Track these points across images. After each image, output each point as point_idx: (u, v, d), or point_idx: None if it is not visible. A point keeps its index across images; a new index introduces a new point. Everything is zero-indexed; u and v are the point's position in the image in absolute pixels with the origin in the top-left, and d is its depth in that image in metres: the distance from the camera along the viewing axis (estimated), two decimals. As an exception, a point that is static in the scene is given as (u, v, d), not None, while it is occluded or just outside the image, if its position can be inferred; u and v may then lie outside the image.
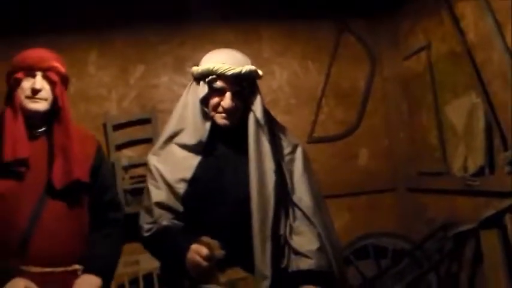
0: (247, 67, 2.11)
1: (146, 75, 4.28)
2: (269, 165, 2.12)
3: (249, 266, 2.01)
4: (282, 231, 2.14)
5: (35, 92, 2.18)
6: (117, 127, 4.15)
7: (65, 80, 2.31)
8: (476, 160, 3.29)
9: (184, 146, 2.15)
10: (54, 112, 2.26)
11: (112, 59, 4.24)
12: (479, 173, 3.29)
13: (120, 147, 4.13)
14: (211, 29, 4.33)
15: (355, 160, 4.47)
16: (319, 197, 2.27)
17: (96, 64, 4.19)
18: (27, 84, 2.19)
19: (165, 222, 2.12)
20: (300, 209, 2.18)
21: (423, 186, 4.08)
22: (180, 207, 2.12)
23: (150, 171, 2.20)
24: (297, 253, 2.11)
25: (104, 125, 4.08)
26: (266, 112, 2.23)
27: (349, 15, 4.46)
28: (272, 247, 2.04)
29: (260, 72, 2.21)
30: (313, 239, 2.13)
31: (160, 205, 2.13)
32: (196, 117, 2.13)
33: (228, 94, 2.10)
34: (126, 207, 3.84)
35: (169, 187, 2.12)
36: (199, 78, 2.14)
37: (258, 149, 2.13)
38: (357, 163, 4.48)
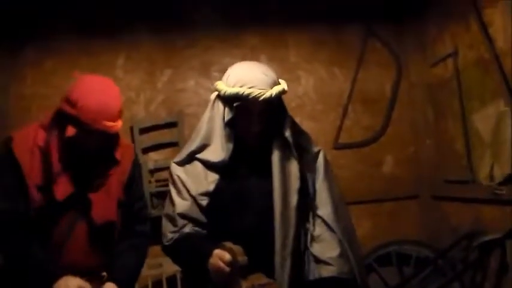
0: (277, 89, 2.08)
1: (173, 79, 4.33)
2: (294, 185, 2.12)
3: (271, 273, 2.02)
4: (302, 243, 2.14)
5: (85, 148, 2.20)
6: (144, 130, 4.20)
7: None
8: (503, 169, 3.27)
9: (207, 163, 2.15)
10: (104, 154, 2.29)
11: (139, 62, 4.30)
12: (506, 181, 3.26)
13: (146, 150, 4.18)
14: (237, 34, 4.39)
15: (380, 167, 4.46)
16: (340, 203, 2.26)
17: (123, 68, 4.25)
18: (79, 136, 2.14)
19: (187, 230, 2.13)
20: (320, 217, 2.18)
21: (448, 194, 4.04)
22: (203, 219, 2.14)
23: (173, 181, 2.21)
24: (318, 261, 2.11)
25: (131, 128, 4.13)
26: (291, 124, 2.22)
27: (376, 21, 4.47)
28: (292, 264, 2.05)
29: (286, 87, 2.16)
30: (334, 245, 2.13)
31: (183, 216, 2.14)
32: (221, 137, 2.12)
33: (257, 117, 2.09)
34: (151, 209, 3.90)
35: (193, 198, 2.14)
36: (226, 99, 2.11)
37: (284, 168, 2.13)
38: (381, 170, 4.47)
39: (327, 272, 2.09)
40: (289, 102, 4.14)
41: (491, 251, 3.37)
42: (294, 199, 2.11)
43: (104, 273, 2.28)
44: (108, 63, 4.23)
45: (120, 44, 4.29)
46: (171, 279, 3.99)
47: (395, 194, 4.43)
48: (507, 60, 3.20)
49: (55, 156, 2.17)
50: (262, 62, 4.23)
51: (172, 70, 4.33)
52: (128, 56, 4.29)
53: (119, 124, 2.17)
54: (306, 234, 2.18)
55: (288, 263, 2.04)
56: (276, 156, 2.13)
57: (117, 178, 2.32)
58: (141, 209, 2.49)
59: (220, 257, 1.92)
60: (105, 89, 2.17)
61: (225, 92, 2.07)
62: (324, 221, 2.17)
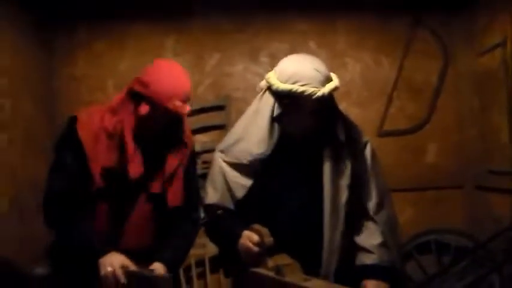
0: (329, 87, 2.10)
1: (221, 63, 4.40)
2: (345, 181, 2.18)
3: (314, 267, 2.11)
4: (348, 236, 2.21)
5: (154, 129, 2.25)
6: (192, 113, 4.27)
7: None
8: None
9: (249, 154, 2.19)
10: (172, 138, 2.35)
11: (189, 46, 4.38)
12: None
13: (194, 132, 4.24)
14: (286, 19, 4.42)
15: (423, 155, 4.47)
16: (385, 194, 2.31)
17: (173, 51, 4.34)
18: (151, 115, 2.19)
19: (219, 212, 2.27)
20: (365, 208, 2.25)
21: (492, 185, 4.02)
22: (233, 208, 2.23)
23: (213, 167, 2.30)
24: (361, 249, 2.20)
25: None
26: (342, 119, 2.26)
27: (423, 9, 4.44)
28: (338, 258, 2.14)
29: (338, 83, 2.18)
30: (376, 235, 2.21)
31: (212, 206, 2.27)
32: (266, 130, 2.16)
33: (308, 114, 2.12)
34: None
35: (229, 189, 2.22)
36: (277, 94, 2.14)
37: (335, 166, 2.17)
38: (425, 158, 4.47)
39: (369, 259, 2.18)
40: (336, 89, 4.22)
41: (532, 243, 3.38)
42: (344, 196, 2.17)
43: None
44: (158, 45, 4.32)
45: (170, 27, 4.37)
46: (214, 259, 4.08)
47: (439, 183, 4.44)
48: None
49: (128, 137, 2.22)
50: (311, 48, 4.35)
51: (221, 54, 4.40)
52: (177, 39, 4.37)
53: (188, 106, 2.21)
54: (353, 226, 2.24)
55: (335, 258, 2.14)
56: (327, 154, 2.17)
57: (182, 162, 2.37)
58: (194, 198, 2.49)
59: (249, 238, 2.07)
60: (177, 72, 2.24)
61: (277, 88, 2.10)
62: (368, 212, 2.24)
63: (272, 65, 4.14)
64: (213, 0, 4.36)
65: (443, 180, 4.44)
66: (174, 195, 2.35)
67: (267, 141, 2.17)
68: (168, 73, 2.20)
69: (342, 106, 4.19)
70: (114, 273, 2.06)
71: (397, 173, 4.33)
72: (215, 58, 4.41)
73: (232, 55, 4.41)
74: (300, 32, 4.42)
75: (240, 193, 2.22)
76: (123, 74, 4.21)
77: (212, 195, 2.27)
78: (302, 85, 2.05)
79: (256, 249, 2.05)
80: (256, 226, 2.10)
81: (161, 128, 2.25)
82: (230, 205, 2.24)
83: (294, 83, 2.06)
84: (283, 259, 2.05)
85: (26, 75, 3.81)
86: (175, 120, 2.26)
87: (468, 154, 4.40)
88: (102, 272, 2.07)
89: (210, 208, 2.29)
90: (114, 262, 2.09)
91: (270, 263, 2.04)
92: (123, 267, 2.07)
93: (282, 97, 2.12)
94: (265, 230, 2.07)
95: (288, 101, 2.11)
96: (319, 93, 2.05)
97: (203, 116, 4.34)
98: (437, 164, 4.47)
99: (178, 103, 2.15)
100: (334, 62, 4.38)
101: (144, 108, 2.16)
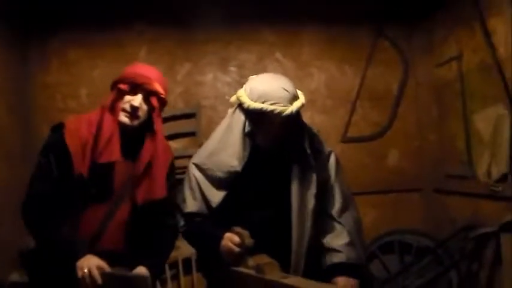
0: (296, 105, 2.25)
1: (192, 72, 4.52)
2: (312, 190, 2.33)
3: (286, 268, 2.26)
4: (315, 239, 2.37)
5: (132, 108, 2.34)
6: (164, 120, 4.36)
7: (163, 103, 2.45)
8: (500, 167, 3.47)
9: (223, 167, 2.33)
10: (146, 129, 2.43)
11: (161, 55, 4.49)
12: (502, 179, 3.46)
13: (166, 138, 4.37)
14: (255, 31, 4.58)
15: (385, 160, 4.67)
16: (348, 198, 2.49)
17: (145, 60, 4.37)
18: (127, 98, 2.35)
19: (198, 219, 2.41)
20: (331, 212, 2.42)
21: (449, 188, 4.22)
22: (210, 215, 2.38)
23: (189, 178, 2.43)
24: (329, 249, 2.37)
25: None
26: (307, 131, 2.41)
27: (386, 22, 4.64)
28: (306, 261, 2.31)
29: (304, 100, 2.32)
30: (343, 235, 2.38)
31: (192, 214, 2.40)
32: (239, 145, 2.30)
33: (276, 129, 2.26)
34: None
35: (205, 198, 2.37)
36: (247, 111, 2.28)
37: (302, 177, 2.33)
38: (387, 163, 4.67)
39: (337, 258, 2.34)
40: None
41: (486, 242, 3.59)
42: (310, 204, 2.33)
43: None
44: (130, 55, 4.40)
45: (143, 37, 4.47)
46: (187, 261, 4.21)
47: (400, 186, 4.63)
48: (507, 66, 3.38)
49: (106, 122, 2.34)
50: (277, 58, 4.50)
51: (192, 64, 4.52)
52: (150, 49, 4.48)
53: (159, 87, 2.38)
54: (320, 230, 2.41)
55: (302, 262, 2.31)
56: (294, 166, 2.33)
57: (161, 159, 2.44)
58: (171, 204, 2.54)
59: (230, 239, 2.22)
60: (150, 66, 2.49)
61: (248, 106, 2.24)
62: (333, 216, 2.42)
63: (240, 74, 4.37)
64: (184, 13, 4.49)
65: (404, 184, 4.64)
66: (141, 194, 2.39)
67: (240, 154, 2.31)
68: (142, 65, 2.51)
69: (308, 114, 4.43)
70: (90, 274, 2.12)
71: (360, 177, 4.52)
72: (186, 68, 4.52)
73: (203, 65, 4.54)
74: (267, 43, 4.58)
75: (214, 203, 2.35)
76: (97, 83, 4.30)
77: (192, 204, 2.40)
78: (271, 104, 2.19)
79: (237, 249, 2.20)
80: (237, 228, 2.24)
81: (139, 114, 2.35)
82: (207, 213, 2.39)
83: (263, 102, 2.20)
84: (262, 259, 2.19)
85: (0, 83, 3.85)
86: (151, 106, 2.38)
87: (427, 159, 4.61)
88: (80, 274, 2.13)
89: (190, 216, 2.42)
90: (90, 264, 2.15)
91: (251, 262, 2.18)
92: (99, 269, 2.14)
93: (252, 114, 2.26)
94: (245, 232, 2.21)
95: (258, 118, 2.25)
96: (288, 111, 2.19)
97: (174, 123, 4.44)
98: (398, 169, 4.67)
99: (148, 80, 2.35)
100: (299, 72, 4.57)
101: (122, 86, 2.34)
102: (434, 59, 4.38)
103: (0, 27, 3.88)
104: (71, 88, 4.39)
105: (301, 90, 3.94)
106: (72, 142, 2.31)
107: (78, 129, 2.35)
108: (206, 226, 2.39)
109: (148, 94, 2.35)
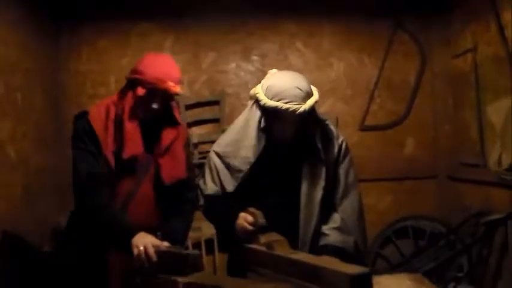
0: (310, 103, 2.36)
1: (216, 61, 4.70)
2: (320, 183, 2.48)
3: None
4: (319, 226, 2.52)
5: (152, 110, 2.43)
6: (189, 107, 4.62)
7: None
8: (510, 157, 3.60)
9: (240, 156, 2.48)
10: (163, 116, 2.54)
11: (186, 45, 4.68)
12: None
13: (190, 125, 4.58)
14: (277, 21, 4.73)
15: (402, 148, 4.79)
16: (350, 186, 2.59)
17: (171, 49, 4.61)
18: (147, 97, 2.40)
19: (216, 200, 2.56)
20: (332, 200, 2.55)
21: (462, 176, 4.34)
22: (229, 198, 2.54)
23: (210, 166, 2.59)
24: (321, 234, 2.51)
25: (177, 105, 4.52)
26: (320, 126, 2.54)
27: (405, 14, 4.75)
28: (310, 249, 2.45)
29: (317, 97, 2.43)
30: (335, 219, 2.52)
31: (212, 196, 2.56)
32: (254, 138, 2.44)
33: (290, 125, 2.39)
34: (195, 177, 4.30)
35: (221, 184, 2.53)
36: (263, 108, 2.39)
37: (312, 170, 2.48)
38: (403, 151, 4.80)
39: (323, 241, 2.49)
40: (322, 86, 4.53)
41: (495, 228, 3.72)
42: (318, 195, 2.47)
43: (159, 233, 2.49)
44: (157, 44, 4.58)
45: (169, 28, 4.65)
46: (209, 241, 4.41)
47: (415, 174, 4.76)
48: (519, 59, 3.49)
49: (127, 119, 2.43)
50: (299, 48, 4.63)
51: (216, 53, 4.70)
52: (175, 39, 4.66)
53: (179, 88, 2.45)
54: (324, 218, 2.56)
55: (306, 249, 2.44)
56: (305, 159, 2.48)
57: (177, 138, 2.58)
58: (190, 179, 2.66)
59: (244, 218, 2.37)
60: (166, 59, 2.54)
61: (264, 104, 2.38)
62: (333, 204, 2.56)
63: (262, 63, 4.55)
64: (208, 3, 4.65)
65: (419, 171, 4.77)
66: (172, 171, 2.52)
67: (255, 147, 2.46)
68: (159, 60, 2.49)
69: (329, 102, 4.60)
70: (146, 252, 2.22)
71: (377, 164, 4.69)
72: (210, 57, 4.70)
73: (226, 54, 4.71)
74: (289, 33, 4.73)
75: (229, 189, 2.52)
76: (125, 70, 4.29)
77: (212, 187, 2.57)
78: (286, 102, 2.33)
79: (250, 228, 2.35)
80: (251, 209, 2.40)
81: (158, 109, 2.45)
82: (225, 195, 2.55)
83: (278, 100, 2.34)
84: (273, 236, 2.31)
85: (35, 70, 4.07)
86: (168, 101, 2.49)
87: (442, 148, 4.73)
88: (135, 252, 2.22)
89: (210, 197, 2.58)
90: (146, 241, 2.23)
91: (263, 239, 2.30)
92: (155, 247, 2.24)
93: (268, 111, 2.40)
94: (258, 212, 2.36)
95: (273, 115, 2.39)
96: (301, 110, 2.33)
97: (199, 110, 4.65)
98: (414, 157, 4.79)
99: (170, 83, 2.41)
100: (320, 62, 4.72)
101: (140, 91, 2.41)
102: (451, 51, 4.48)
103: (33, 18, 4.09)
104: (101, 75, 4.61)
105: (321, 80, 4.09)
106: (97, 127, 2.45)
107: (99, 116, 2.48)
108: (223, 206, 2.55)
109: (167, 94, 2.45)
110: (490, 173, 3.87)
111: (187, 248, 2.34)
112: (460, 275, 4.09)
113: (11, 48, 3.66)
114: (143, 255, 2.21)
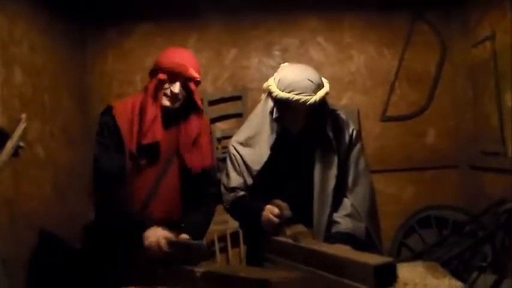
0: (320, 94, 2.44)
1: (238, 57, 4.80)
2: (333, 172, 2.56)
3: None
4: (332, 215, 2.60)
5: (173, 94, 2.56)
6: (212, 103, 4.72)
7: (198, 84, 2.65)
8: (529, 145, 3.61)
9: (257, 149, 2.59)
10: (186, 108, 2.66)
11: (209, 42, 4.78)
12: (531, 156, 3.60)
13: (214, 120, 4.70)
14: (298, 17, 4.79)
15: (423, 138, 4.83)
16: (361, 175, 2.67)
17: (194, 47, 4.70)
18: (167, 85, 2.56)
19: (242, 193, 2.65)
20: (343, 189, 2.63)
21: (484, 165, 4.34)
22: (253, 187, 2.63)
23: (231, 157, 2.69)
24: (333, 221, 2.59)
25: (201, 101, 4.59)
26: (331, 116, 2.62)
27: (423, 4, 4.77)
28: (324, 237, 2.53)
29: (328, 89, 2.51)
30: (346, 207, 2.60)
31: (237, 189, 2.65)
32: (269, 129, 2.56)
33: (302, 115, 2.49)
34: (218, 172, 4.40)
35: (248, 168, 2.62)
36: (276, 99, 2.49)
37: (325, 159, 2.56)
38: (424, 141, 4.83)
39: (335, 228, 2.57)
40: (343, 78, 4.67)
41: (516, 217, 3.73)
42: (331, 184, 2.56)
43: (182, 225, 2.62)
44: (181, 43, 4.66)
45: (192, 27, 4.76)
46: (234, 234, 4.51)
47: (437, 163, 4.80)
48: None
49: (149, 106, 2.56)
50: (319, 42, 4.70)
51: (238, 49, 4.79)
52: (198, 37, 4.77)
53: (194, 72, 2.59)
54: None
55: (321, 237, 2.52)
56: (318, 148, 2.57)
57: (202, 128, 2.72)
58: (214, 174, 2.78)
59: (270, 211, 2.45)
60: (183, 50, 2.73)
61: (276, 95, 2.47)
62: (344, 192, 2.63)
63: (284, 58, 4.65)
64: (229, 1, 4.75)
65: (441, 161, 4.80)
66: (196, 162, 2.64)
67: (268, 138, 2.57)
68: (178, 50, 2.67)
69: (349, 94, 4.67)
70: (158, 243, 2.36)
71: (398, 154, 4.74)
72: (232, 53, 4.80)
73: (248, 50, 4.80)
74: (309, 28, 4.80)
75: (249, 181, 2.63)
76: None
77: (236, 179, 2.66)
78: (297, 94, 2.41)
79: (276, 220, 2.42)
80: (277, 201, 2.46)
81: (178, 95, 2.58)
82: (250, 184, 2.64)
83: (290, 92, 2.42)
84: (299, 228, 2.41)
85: (62, 72, 4.20)
86: (188, 88, 2.61)
87: (463, 137, 4.74)
88: (147, 243, 2.37)
89: (235, 190, 2.67)
90: (158, 233, 2.38)
91: (288, 231, 2.39)
92: (165, 238, 2.38)
93: (280, 102, 2.49)
94: (284, 204, 2.43)
95: (285, 106, 2.47)
96: (311, 101, 2.41)
97: (222, 105, 4.76)
98: (435, 147, 4.82)
99: (189, 69, 2.56)
100: (340, 55, 4.78)
101: (161, 75, 2.55)
102: (470, 41, 4.48)
103: (60, 21, 4.22)
104: (127, 75, 4.74)
105: (342, 73, 4.13)
106: (121, 122, 2.57)
107: (124, 110, 2.61)
108: (248, 200, 2.65)
109: (186, 79, 2.57)
110: (510, 161, 3.87)
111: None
112: (484, 264, 4.05)
113: (38, 52, 3.80)
114: (154, 246, 2.35)
